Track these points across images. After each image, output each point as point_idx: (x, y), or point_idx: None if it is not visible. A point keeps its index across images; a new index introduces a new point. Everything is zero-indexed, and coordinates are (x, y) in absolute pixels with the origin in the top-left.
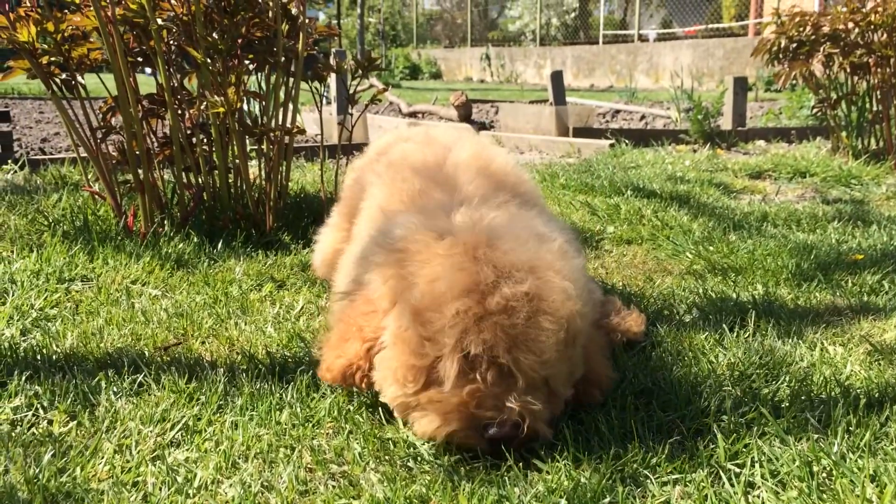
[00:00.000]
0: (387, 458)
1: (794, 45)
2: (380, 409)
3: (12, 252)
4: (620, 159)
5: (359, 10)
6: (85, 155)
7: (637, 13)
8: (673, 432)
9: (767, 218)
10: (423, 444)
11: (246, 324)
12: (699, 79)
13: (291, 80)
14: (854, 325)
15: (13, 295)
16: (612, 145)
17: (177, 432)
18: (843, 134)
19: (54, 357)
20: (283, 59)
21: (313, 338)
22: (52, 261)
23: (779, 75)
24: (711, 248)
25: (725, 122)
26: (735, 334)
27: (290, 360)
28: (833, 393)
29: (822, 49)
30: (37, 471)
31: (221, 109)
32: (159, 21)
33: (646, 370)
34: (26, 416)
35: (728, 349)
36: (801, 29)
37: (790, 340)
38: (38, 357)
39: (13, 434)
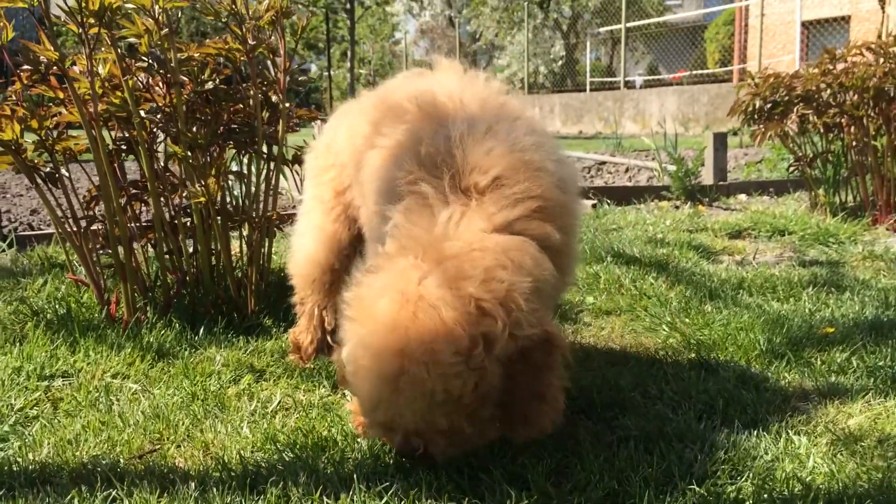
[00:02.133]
0: None
1: (769, 105)
2: None
3: None
4: (602, 220)
5: (349, 64)
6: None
7: (623, 59)
8: None
9: (743, 285)
10: None
11: (222, 423)
12: (685, 124)
13: (272, 163)
14: (820, 411)
15: None
16: (594, 206)
17: None
18: (821, 191)
19: (30, 468)
20: (263, 146)
21: (287, 439)
22: (34, 357)
23: (755, 135)
24: (688, 319)
25: (707, 177)
26: (703, 425)
27: (262, 466)
28: (795, 490)
29: (795, 110)
30: None
31: (202, 199)
32: (142, 113)
33: (612, 470)
34: None
35: (694, 444)
36: (775, 90)
37: (755, 431)
38: (14, 469)
39: None
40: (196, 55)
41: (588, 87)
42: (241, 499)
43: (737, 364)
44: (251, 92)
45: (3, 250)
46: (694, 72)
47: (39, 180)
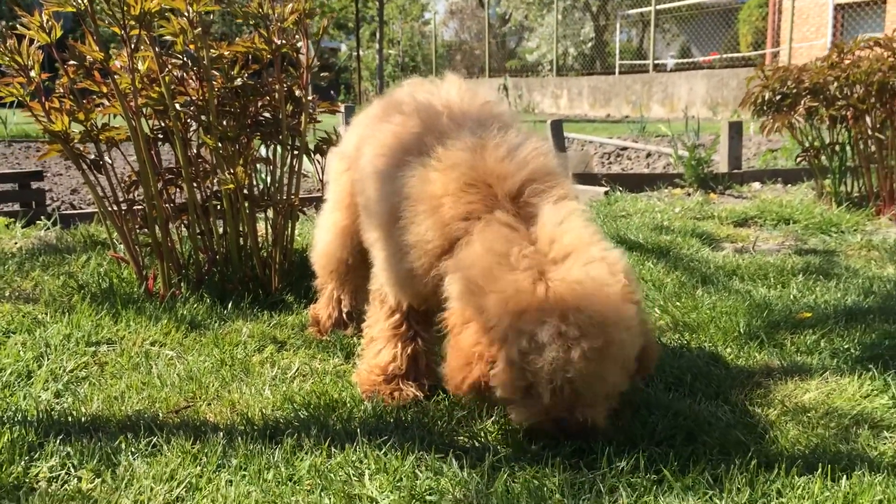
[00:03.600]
0: None
1: (778, 97)
2: (349, 467)
3: (46, 315)
4: (613, 207)
5: (377, 45)
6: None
7: (652, 42)
8: (592, 490)
9: (737, 272)
10: (384, 499)
11: (246, 386)
12: (714, 108)
13: (296, 152)
14: (780, 386)
15: (48, 359)
16: (606, 193)
17: (181, 489)
18: (827, 181)
19: (83, 419)
20: (286, 136)
21: (302, 400)
22: (82, 325)
23: (764, 126)
24: (679, 303)
25: (722, 165)
26: (670, 396)
27: (281, 422)
28: (740, 451)
29: (802, 102)
30: None
31: (231, 186)
32: (177, 106)
33: None
34: (60, 474)
35: (658, 411)
36: (784, 83)
37: (716, 401)
38: (70, 419)
39: (49, 490)
40: (226, 53)
41: (617, 70)
42: (262, 447)
43: (713, 344)
44: (276, 87)
45: (48, 228)
46: (725, 55)
47: (85, 166)
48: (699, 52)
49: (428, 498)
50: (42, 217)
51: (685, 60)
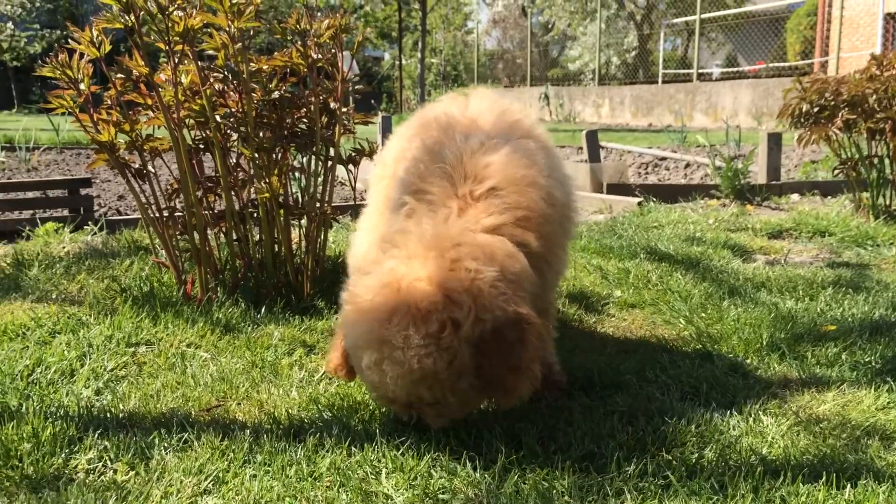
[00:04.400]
0: None
1: (816, 109)
2: (367, 465)
3: (90, 316)
4: (646, 218)
5: (419, 54)
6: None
7: (696, 51)
8: (599, 492)
9: (766, 284)
10: (399, 496)
11: (275, 387)
12: (759, 118)
13: (329, 163)
14: (796, 397)
15: (90, 358)
16: (640, 203)
17: (209, 483)
18: (864, 194)
19: (120, 416)
20: (320, 147)
21: (327, 401)
22: (123, 326)
23: (801, 138)
24: (704, 314)
25: (760, 176)
26: (685, 404)
27: (305, 421)
28: (750, 459)
29: (840, 114)
30: None
31: (266, 195)
32: (217, 118)
33: (594, 436)
34: (97, 466)
35: (671, 419)
36: (822, 94)
37: (730, 411)
38: (108, 415)
39: (86, 481)
40: (265, 67)
41: (660, 80)
42: (286, 444)
43: (735, 355)
44: (311, 100)
45: (95, 233)
46: (772, 64)
47: (129, 175)
48: (745, 62)
49: (441, 496)
50: (89, 222)
51: (731, 69)
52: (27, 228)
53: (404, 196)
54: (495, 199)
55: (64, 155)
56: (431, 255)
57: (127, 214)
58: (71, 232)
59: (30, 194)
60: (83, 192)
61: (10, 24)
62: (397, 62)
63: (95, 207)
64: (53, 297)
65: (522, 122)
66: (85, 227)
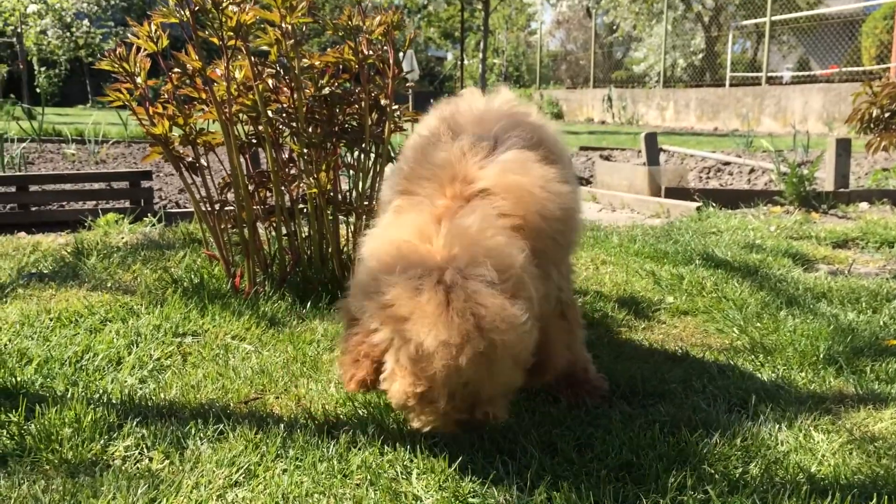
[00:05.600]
0: None
1: (887, 114)
2: (398, 465)
3: (141, 306)
4: (704, 223)
5: (481, 55)
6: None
7: (766, 54)
8: None
9: (827, 295)
10: (428, 498)
11: (314, 382)
12: (830, 124)
13: (378, 159)
14: (851, 414)
15: (137, 347)
16: (698, 208)
17: (240, 475)
18: None
19: (161, 404)
20: (370, 144)
21: (364, 399)
22: (171, 317)
23: (870, 144)
24: (759, 324)
25: (827, 184)
26: (732, 417)
27: (341, 418)
28: (797, 477)
29: None
30: (135, 499)
31: (314, 191)
32: (269, 113)
33: (633, 446)
34: (134, 453)
35: (716, 432)
36: (894, 99)
37: (779, 425)
38: (149, 404)
39: (123, 468)
40: (317, 63)
41: (728, 82)
42: (318, 440)
43: (788, 367)
44: (362, 96)
45: (154, 225)
46: (845, 68)
47: (183, 168)
48: (818, 65)
49: (470, 500)
50: (149, 214)
51: (802, 73)
52: (89, 219)
53: (394, 196)
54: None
55: (132, 148)
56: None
57: (186, 207)
58: (130, 223)
59: (95, 186)
60: (143, 184)
61: (86, 22)
62: (459, 62)
63: (156, 200)
64: (108, 286)
65: (529, 123)
66: (144, 218)
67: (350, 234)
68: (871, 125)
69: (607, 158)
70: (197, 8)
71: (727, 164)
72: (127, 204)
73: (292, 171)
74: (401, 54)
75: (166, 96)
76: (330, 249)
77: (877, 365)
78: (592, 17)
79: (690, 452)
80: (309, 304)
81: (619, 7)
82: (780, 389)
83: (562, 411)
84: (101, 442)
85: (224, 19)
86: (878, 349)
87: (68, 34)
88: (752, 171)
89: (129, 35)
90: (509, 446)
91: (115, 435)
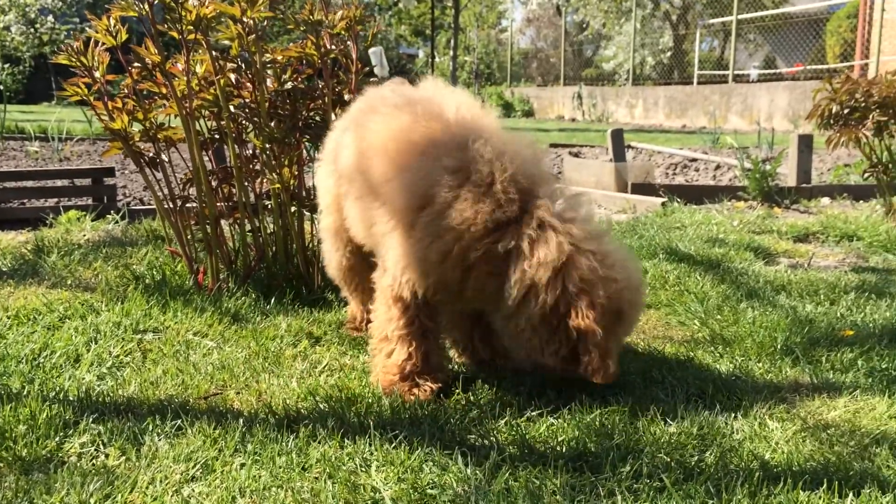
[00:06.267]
0: (353, 498)
1: (846, 110)
2: (357, 457)
3: (101, 303)
4: (669, 218)
5: (452, 52)
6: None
7: (733, 52)
8: (591, 493)
9: (786, 288)
10: (387, 490)
11: (276, 377)
12: (795, 121)
13: None
14: (805, 402)
15: (96, 344)
16: (663, 204)
17: (197, 470)
18: (895, 198)
19: (118, 401)
20: None
21: (325, 393)
22: (132, 313)
23: (830, 140)
24: (720, 316)
25: (790, 179)
26: (690, 406)
27: (302, 412)
28: (750, 464)
29: (871, 116)
30: (88, 495)
31: (277, 186)
32: (231, 108)
33: (591, 435)
34: (90, 450)
35: (673, 421)
36: (852, 96)
37: (735, 414)
38: (106, 400)
39: (77, 464)
40: (279, 57)
41: (696, 80)
42: (278, 435)
43: (747, 358)
44: (325, 91)
45: (117, 222)
46: (811, 66)
47: (144, 164)
48: (784, 64)
49: (429, 491)
50: (112, 211)
51: (769, 71)
52: (51, 216)
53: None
54: None
55: (97, 146)
56: None
57: (150, 205)
58: (93, 220)
59: (58, 183)
60: (107, 181)
61: (50, 18)
62: (429, 59)
63: (121, 197)
64: (68, 283)
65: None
66: (107, 215)
67: (315, 230)
68: (831, 121)
69: (576, 155)
70: (157, 1)
71: (694, 160)
72: (90, 201)
73: (256, 167)
74: (369, 50)
75: (126, 91)
76: (294, 245)
77: (832, 355)
78: (562, 15)
79: (647, 441)
80: (273, 299)
81: (589, 5)
82: (738, 380)
83: (522, 402)
84: (57, 439)
85: (184, 13)
86: (835, 340)
87: (32, 30)
88: (717, 167)
89: (87, 30)
90: (468, 437)
91: (70, 432)
